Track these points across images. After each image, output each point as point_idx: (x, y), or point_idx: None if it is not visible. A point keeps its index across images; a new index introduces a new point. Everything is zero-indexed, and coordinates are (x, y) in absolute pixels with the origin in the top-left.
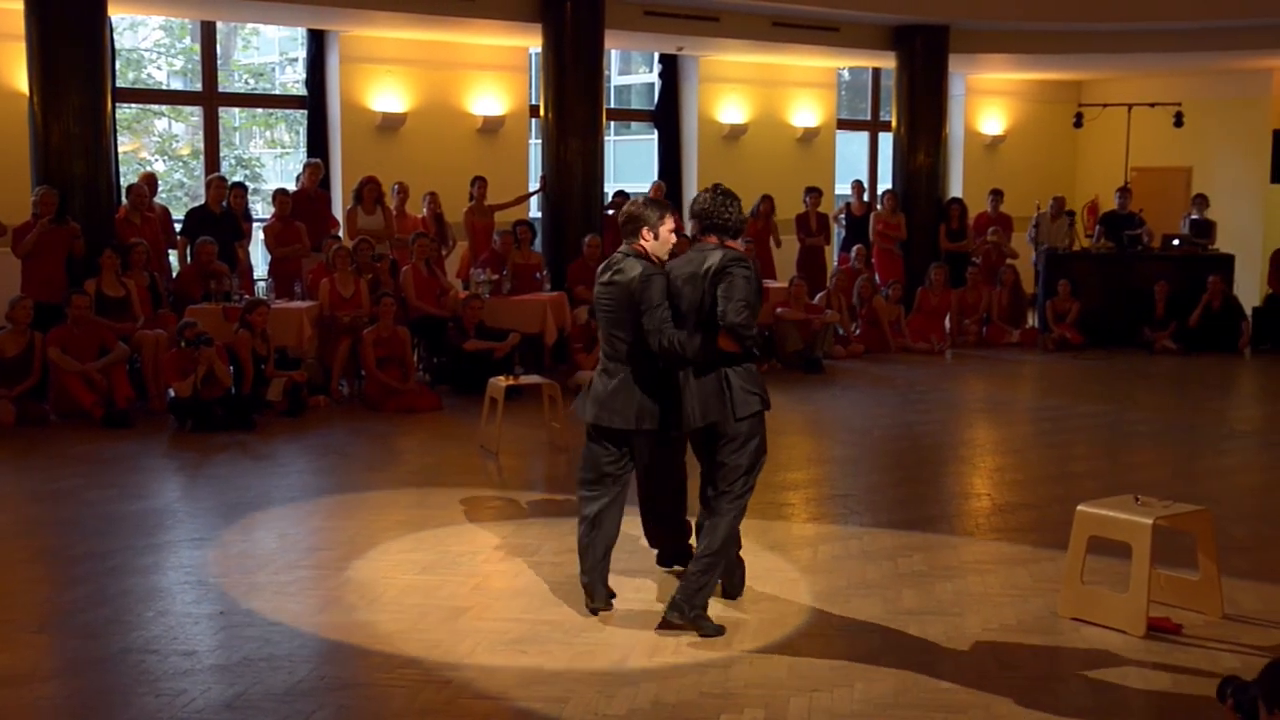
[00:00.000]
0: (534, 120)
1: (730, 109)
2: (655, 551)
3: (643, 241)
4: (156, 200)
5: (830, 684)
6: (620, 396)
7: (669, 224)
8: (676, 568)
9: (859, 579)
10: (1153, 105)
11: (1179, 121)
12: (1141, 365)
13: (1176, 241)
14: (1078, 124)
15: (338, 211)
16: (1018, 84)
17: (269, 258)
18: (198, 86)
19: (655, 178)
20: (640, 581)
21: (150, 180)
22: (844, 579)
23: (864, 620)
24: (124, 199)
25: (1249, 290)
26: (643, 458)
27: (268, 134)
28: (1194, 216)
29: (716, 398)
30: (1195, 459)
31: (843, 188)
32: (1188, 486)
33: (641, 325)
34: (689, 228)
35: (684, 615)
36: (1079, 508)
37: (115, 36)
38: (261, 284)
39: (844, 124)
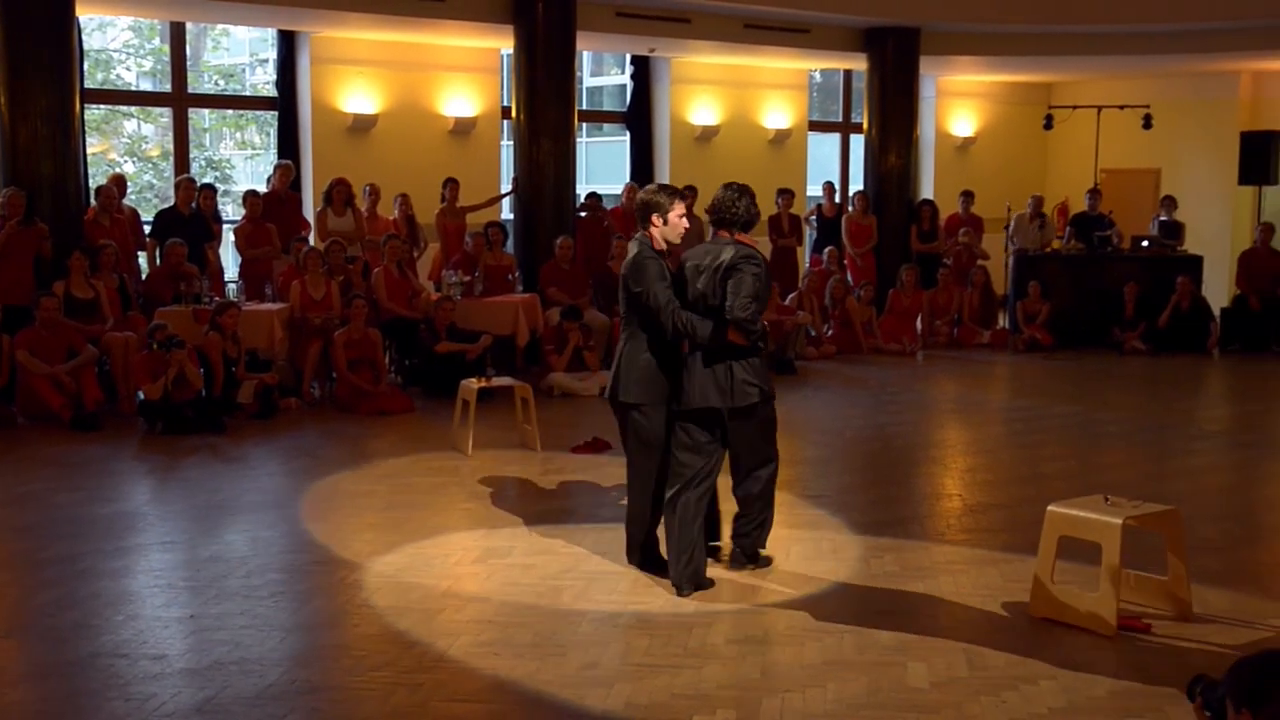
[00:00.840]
0: (506, 122)
1: (702, 110)
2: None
3: (653, 227)
4: (125, 202)
5: (802, 684)
6: (618, 368)
7: (679, 209)
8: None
9: (831, 580)
10: (1122, 107)
11: (1148, 123)
12: (1111, 366)
13: (1145, 243)
14: (1048, 126)
15: (309, 213)
16: (988, 86)
17: (239, 259)
18: (167, 87)
19: (628, 179)
20: (612, 584)
21: (119, 181)
22: (816, 580)
23: (836, 621)
24: (93, 200)
25: (1217, 291)
26: (640, 432)
27: (238, 135)
28: (1163, 218)
29: (717, 386)
30: (1165, 459)
31: (814, 189)
32: (1157, 486)
33: (634, 305)
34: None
35: (746, 550)
36: (1049, 508)
37: (83, 37)
38: (232, 286)
39: (815, 125)
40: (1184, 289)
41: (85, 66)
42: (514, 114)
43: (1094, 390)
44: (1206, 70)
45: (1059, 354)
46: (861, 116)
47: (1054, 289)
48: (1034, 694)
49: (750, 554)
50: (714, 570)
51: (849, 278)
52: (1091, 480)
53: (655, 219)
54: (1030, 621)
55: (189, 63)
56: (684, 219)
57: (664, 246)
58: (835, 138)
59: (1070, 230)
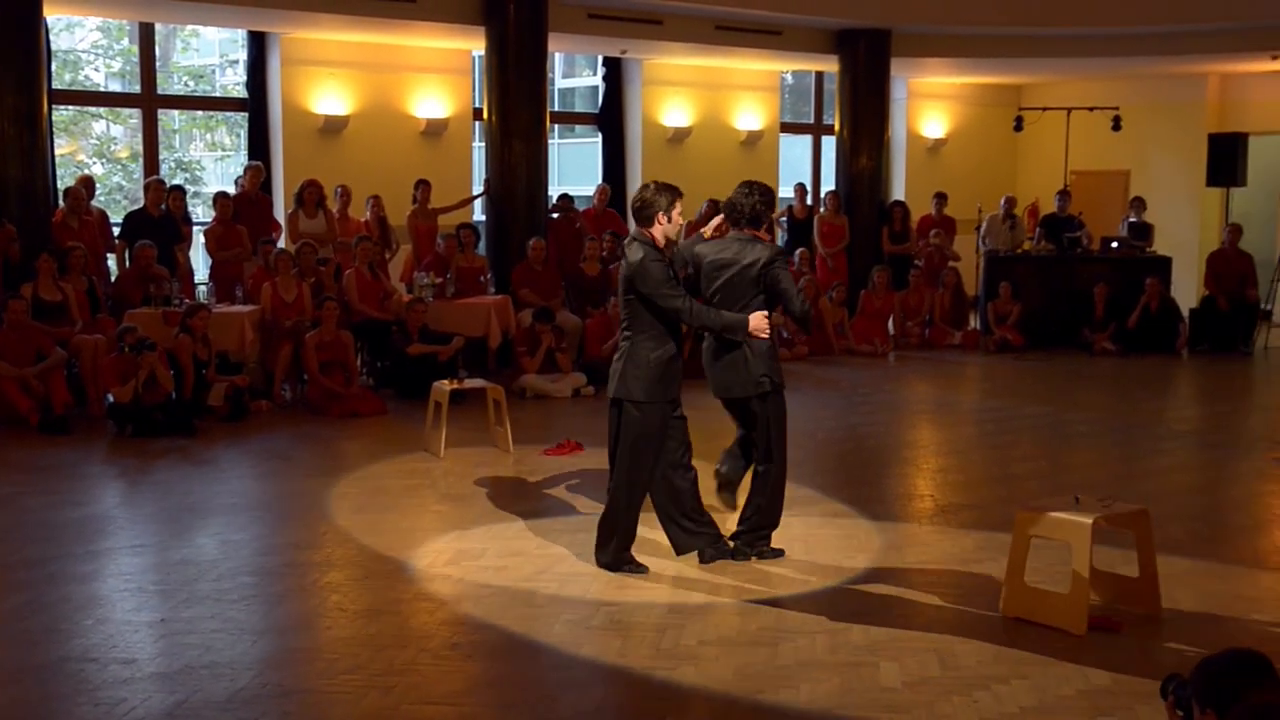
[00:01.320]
0: (477, 123)
1: (674, 112)
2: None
3: (657, 226)
4: (94, 203)
5: (775, 686)
6: (620, 366)
7: (679, 206)
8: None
9: (804, 581)
10: (1091, 109)
11: (1117, 125)
12: (1081, 366)
13: (1115, 244)
14: (1018, 127)
15: (280, 215)
16: (959, 88)
17: (209, 261)
18: (136, 88)
19: (599, 181)
20: (585, 585)
21: (88, 183)
22: (789, 581)
23: (807, 622)
24: (61, 202)
25: (1186, 292)
26: (635, 429)
27: (208, 136)
28: (1132, 219)
29: (738, 376)
30: (1134, 459)
31: (786, 191)
32: (1127, 486)
33: (635, 303)
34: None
35: (746, 555)
36: (1020, 508)
37: (51, 37)
38: (202, 288)
39: (787, 127)
40: (1153, 290)
41: (53, 67)
42: (486, 115)
43: (1064, 391)
44: (1175, 73)
45: (1030, 355)
46: (833, 118)
47: (1025, 290)
48: (1005, 693)
49: (749, 543)
50: (707, 570)
51: (817, 279)
52: (1062, 480)
53: (660, 218)
54: (1002, 621)
55: (158, 64)
56: (680, 214)
57: (662, 243)
58: (807, 139)
59: (1040, 231)
